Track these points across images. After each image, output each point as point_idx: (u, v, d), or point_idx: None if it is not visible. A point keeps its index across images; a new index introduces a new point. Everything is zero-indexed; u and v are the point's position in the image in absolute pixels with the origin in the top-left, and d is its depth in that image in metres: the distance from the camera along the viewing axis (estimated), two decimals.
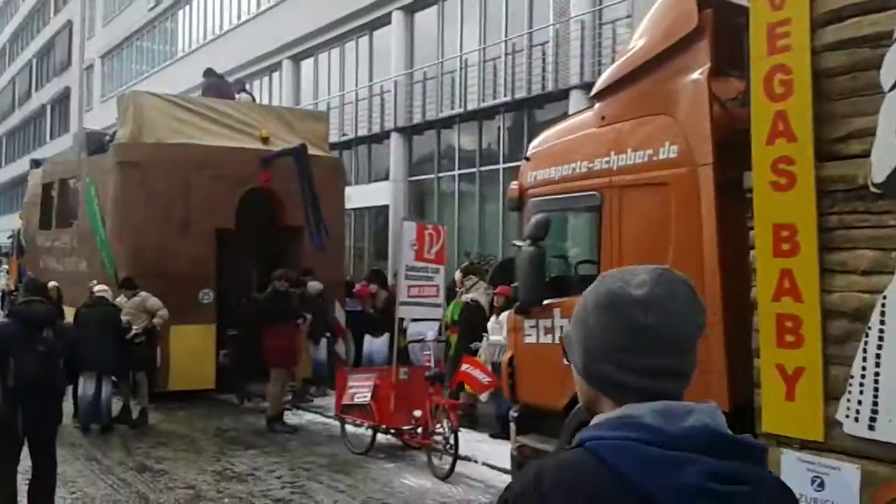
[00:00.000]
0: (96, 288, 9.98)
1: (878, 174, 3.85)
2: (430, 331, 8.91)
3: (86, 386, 9.38)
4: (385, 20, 19.81)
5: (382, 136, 19.61)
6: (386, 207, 19.12)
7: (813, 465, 4.01)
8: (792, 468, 4.08)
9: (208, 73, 14.46)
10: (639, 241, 5.24)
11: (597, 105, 5.69)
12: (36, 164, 18.19)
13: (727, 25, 4.81)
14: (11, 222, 31.92)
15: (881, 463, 3.77)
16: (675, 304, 1.31)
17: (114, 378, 9.64)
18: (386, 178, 19.37)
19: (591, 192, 5.53)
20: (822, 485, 3.97)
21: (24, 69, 52.41)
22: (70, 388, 9.38)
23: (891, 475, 3.73)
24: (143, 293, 10.25)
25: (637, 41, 5.45)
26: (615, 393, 1.33)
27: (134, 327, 9.82)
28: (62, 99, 44.41)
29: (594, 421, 1.34)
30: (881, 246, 3.82)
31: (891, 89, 3.81)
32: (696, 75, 4.91)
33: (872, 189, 3.86)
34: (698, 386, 4.52)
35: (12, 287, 22.50)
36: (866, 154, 3.91)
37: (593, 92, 5.77)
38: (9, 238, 26.18)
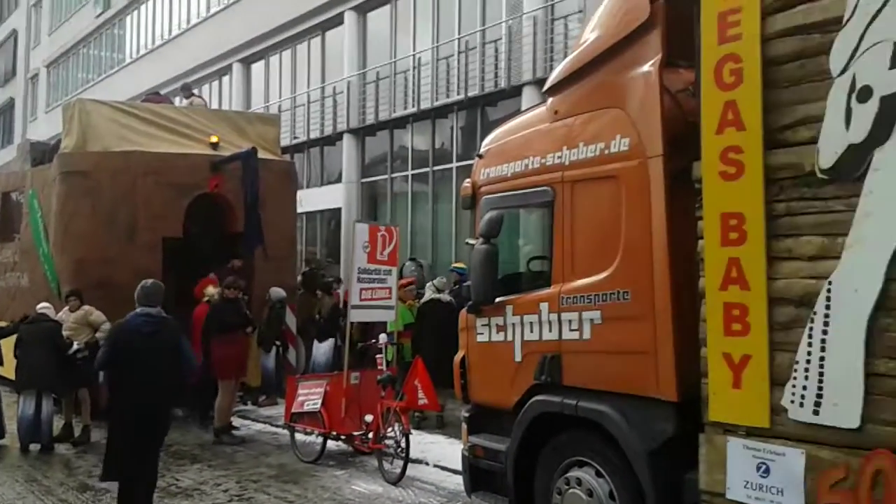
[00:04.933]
0: (39, 305, 9.62)
1: (825, 160, 3.84)
2: (382, 334, 8.75)
3: (25, 405, 9.01)
4: (337, 20, 19.60)
5: (335, 138, 19.37)
6: (338, 210, 18.88)
7: (759, 452, 4.02)
8: (738, 455, 4.09)
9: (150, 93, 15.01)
10: (590, 234, 5.13)
11: (550, 100, 5.57)
12: None
13: (679, 17, 4.70)
14: None
15: (825, 447, 3.79)
16: (152, 286, 6.24)
17: (54, 395, 9.29)
18: (338, 180, 19.14)
19: (544, 188, 5.40)
20: (767, 471, 3.98)
21: None
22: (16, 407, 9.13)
23: (835, 459, 3.74)
24: (86, 307, 9.89)
25: (589, 34, 5.34)
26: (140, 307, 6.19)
27: (76, 343, 9.46)
28: (6, 110, 43.33)
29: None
30: (827, 231, 3.82)
31: (840, 73, 3.78)
32: (646, 67, 4.81)
33: (819, 175, 3.85)
34: (645, 374, 4.43)
35: None
36: (814, 140, 3.90)
37: (546, 87, 5.64)
38: None
